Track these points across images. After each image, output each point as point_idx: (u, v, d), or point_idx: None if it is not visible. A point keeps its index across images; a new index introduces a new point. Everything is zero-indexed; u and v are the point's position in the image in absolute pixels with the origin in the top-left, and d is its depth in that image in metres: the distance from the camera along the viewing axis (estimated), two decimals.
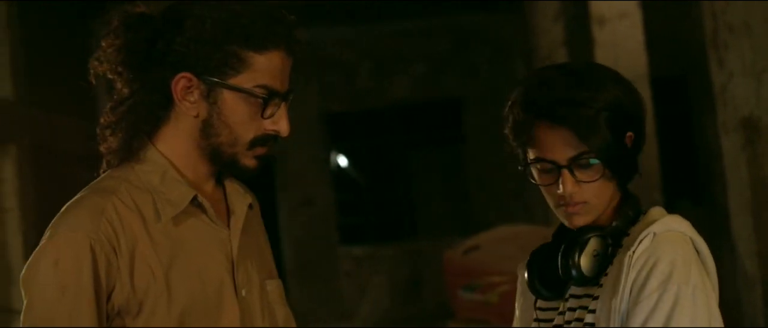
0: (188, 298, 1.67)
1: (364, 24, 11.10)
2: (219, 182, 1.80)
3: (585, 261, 1.73)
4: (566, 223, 1.79)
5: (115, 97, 1.72)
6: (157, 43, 1.68)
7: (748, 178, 4.10)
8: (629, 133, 1.75)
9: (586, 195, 1.73)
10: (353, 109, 11.79)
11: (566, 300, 1.79)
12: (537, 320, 1.83)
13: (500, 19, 11.20)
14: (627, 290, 1.68)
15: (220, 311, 1.69)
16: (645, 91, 6.78)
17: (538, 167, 1.75)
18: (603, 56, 6.86)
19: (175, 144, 1.73)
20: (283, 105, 1.73)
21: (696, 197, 10.62)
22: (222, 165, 1.75)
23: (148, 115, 1.71)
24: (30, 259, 1.66)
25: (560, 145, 1.71)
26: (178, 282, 1.66)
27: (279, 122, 1.72)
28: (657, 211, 1.79)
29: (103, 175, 1.75)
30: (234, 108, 1.69)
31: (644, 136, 1.80)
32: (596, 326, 1.70)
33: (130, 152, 1.72)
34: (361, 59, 11.67)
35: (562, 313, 1.78)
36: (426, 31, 11.51)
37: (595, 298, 1.73)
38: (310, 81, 11.45)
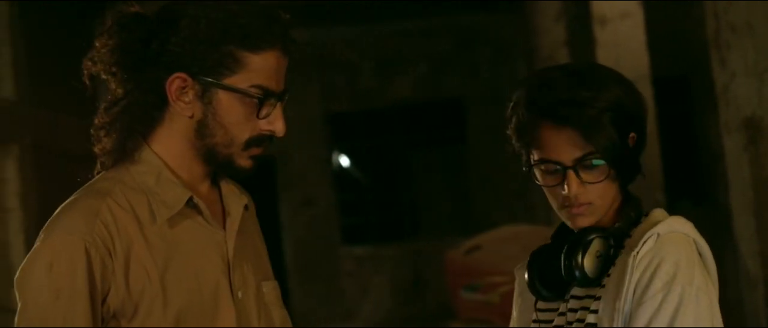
0: (184, 300, 1.65)
1: (366, 24, 11.10)
2: (214, 182, 1.78)
3: (588, 262, 1.72)
4: (570, 224, 1.78)
5: (109, 97, 1.71)
6: (152, 43, 1.66)
7: (751, 178, 4.10)
8: (632, 134, 1.75)
9: (591, 196, 1.73)
10: (355, 109, 11.79)
11: (566, 301, 1.78)
12: (536, 320, 1.83)
13: (501, 19, 11.20)
14: (630, 291, 1.67)
15: (216, 313, 1.68)
16: (647, 92, 6.77)
17: (543, 167, 1.75)
18: (604, 56, 6.85)
19: (170, 145, 1.71)
20: (278, 105, 1.72)
21: (698, 197, 10.62)
22: (217, 166, 1.73)
23: (142, 116, 1.69)
24: (24, 262, 1.65)
25: (565, 146, 1.71)
26: (173, 284, 1.65)
27: (275, 122, 1.71)
28: (659, 212, 1.79)
29: (97, 176, 1.74)
30: (229, 108, 1.68)
31: (646, 136, 1.79)
32: (599, 326, 1.70)
33: (124, 153, 1.71)
34: (362, 59, 11.68)
35: (563, 314, 1.78)
36: (427, 32, 11.51)
37: (597, 298, 1.72)
38: (311, 81, 11.46)
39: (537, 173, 1.77)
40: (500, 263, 6.19)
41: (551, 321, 1.80)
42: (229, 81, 1.67)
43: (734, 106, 4.14)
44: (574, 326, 1.75)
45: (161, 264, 1.65)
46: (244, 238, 1.77)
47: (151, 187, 1.69)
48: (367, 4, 10.32)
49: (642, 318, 1.65)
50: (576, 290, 1.77)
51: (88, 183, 1.72)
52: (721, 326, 1.71)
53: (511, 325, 1.94)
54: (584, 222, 1.75)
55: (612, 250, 1.74)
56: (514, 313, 1.92)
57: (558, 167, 1.72)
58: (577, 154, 1.71)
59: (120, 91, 1.69)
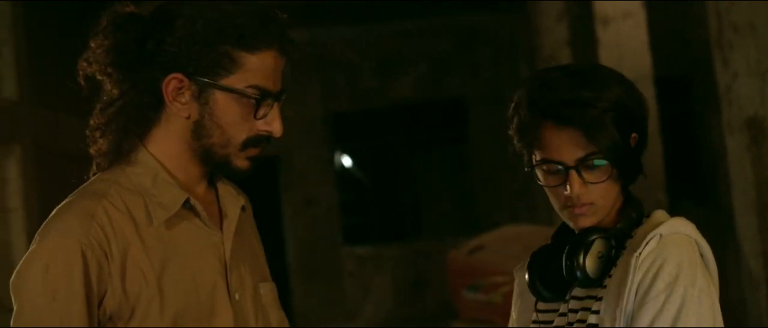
0: (181, 302, 1.64)
1: (367, 24, 11.10)
2: (211, 183, 1.77)
3: (590, 263, 1.72)
4: (571, 224, 1.78)
5: (104, 98, 1.70)
6: (147, 43, 1.65)
7: (753, 178, 4.10)
8: (633, 134, 1.75)
9: (593, 196, 1.73)
10: (356, 109, 11.79)
11: (567, 301, 1.78)
12: (536, 321, 1.83)
13: (503, 19, 11.20)
14: (633, 292, 1.67)
15: (213, 315, 1.67)
16: (649, 91, 6.77)
17: (545, 168, 1.74)
18: (607, 56, 6.85)
19: (167, 145, 1.70)
20: (275, 105, 1.70)
21: (700, 196, 10.61)
22: (214, 166, 1.72)
23: (138, 117, 1.68)
24: (20, 264, 1.64)
25: (568, 146, 1.71)
26: (170, 287, 1.64)
27: (272, 123, 1.69)
28: (661, 213, 1.79)
29: (93, 178, 1.72)
30: (226, 109, 1.66)
31: (647, 137, 1.79)
32: (600, 326, 1.70)
33: (120, 154, 1.69)
34: (363, 59, 11.68)
35: (563, 314, 1.78)
36: (429, 31, 11.51)
37: (599, 299, 1.72)
38: (312, 81, 11.46)
39: (539, 173, 1.76)
40: (502, 263, 6.19)
41: (551, 322, 1.80)
42: (225, 81, 1.65)
43: (736, 106, 4.14)
44: (574, 326, 1.75)
45: (158, 266, 1.64)
46: (241, 239, 1.76)
47: (148, 188, 1.67)
48: (367, 4, 10.32)
49: (644, 319, 1.65)
50: (577, 291, 1.77)
51: (84, 185, 1.71)
52: (723, 327, 1.71)
53: (510, 326, 1.93)
54: (586, 222, 1.75)
55: (613, 251, 1.74)
56: (514, 314, 1.92)
57: (560, 167, 1.72)
58: (580, 154, 1.70)
59: (115, 91, 1.68)
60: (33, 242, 1.65)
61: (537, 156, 1.75)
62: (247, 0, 1.68)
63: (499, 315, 6.02)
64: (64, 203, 1.67)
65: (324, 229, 11.55)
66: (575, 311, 1.76)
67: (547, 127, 1.71)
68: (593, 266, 1.72)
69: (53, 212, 1.66)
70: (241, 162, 1.70)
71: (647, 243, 1.69)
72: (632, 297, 1.67)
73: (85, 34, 1.72)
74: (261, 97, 1.67)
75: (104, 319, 1.63)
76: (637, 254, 1.69)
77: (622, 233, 1.76)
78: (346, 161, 12.16)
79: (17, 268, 1.64)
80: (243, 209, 1.79)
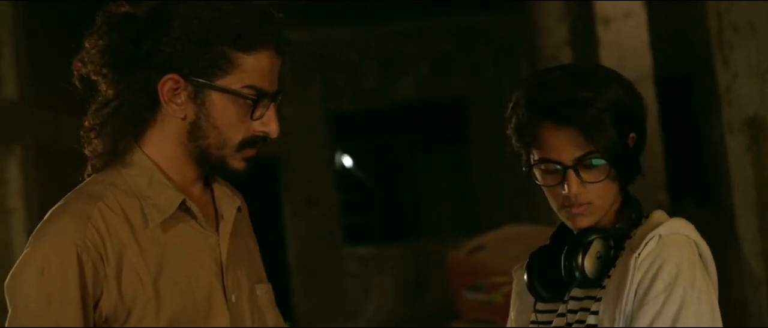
0: (177, 305, 1.63)
1: (368, 24, 11.11)
2: (207, 184, 1.76)
3: (588, 263, 1.72)
4: (570, 224, 1.78)
5: (99, 99, 1.68)
6: (143, 43, 1.63)
7: (753, 178, 4.10)
8: (632, 134, 1.75)
9: (591, 196, 1.73)
10: (357, 109, 11.79)
11: (566, 302, 1.78)
12: (535, 322, 1.83)
13: (504, 19, 11.21)
14: (632, 292, 1.67)
15: (209, 317, 1.66)
16: (650, 91, 6.77)
17: (543, 167, 1.74)
18: (608, 56, 6.85)
19: (162, 147, 1.69)
20: (272, 106, 1.69)
21: (701, 196, 10.61)
22: (210, 167, 1.71)
23: (133, 118, 1.66)
24: (14, 267, 1.62)
25: (566, 146, 1.71)
26: (166, 289, 1.63)
27: (269, 124, 1.68)
28: (660, 214, 1.79)
29: (88, 179, 1.71)
30: (222, 110, 1.65)
31: (646, 137, 1.79)
32: (599, 327, 1.70)
33: (115, 156, 1.68)
34: (365, 59, 11.68)
35: (562, 315, 1.77)
36: (430, 31, 11.51)
37: (598, 300, 1.72)
38: (313, 82, 11.46)
39: (537, 172, 1.76)
40: (503, 263, 6.17)
41: (550, 322, 1.80)
42: (221, 82, 1.64)
43: (737, 106, 4.14)
44: (573, 327, 1.75)
45: (154, 269, 1.63)
46: (237, 240, 1.75)
47: (143, 190, 1.66)
48: (368, 4, 10.32)
49: (643, 320, 1.65)
50: (575, 292, 1.77)
51: (79, 186, 1.70)
52: (722, 327, 1.71)
53: (508, 326, 1.93)
54: (584, 222, 1.74)
55: (612, 251, 1.74)
56: (512, 314, 1.92)
57: (558, 166, 1.72)
58: (578, 153, 1.71)
59: (111, 92, 1.67)
60: (28, 244, 1.63)
61: (535, 156, 1.75)
62: (243, 0, 1.67)
63: (500, 315, 6.00)
64: (58, 205, 1.66)
65: (325, 229, 11.55)
66: (574, 312, 1.75)
67: (546, 127, 1.71)
68: (592, 266, 1.72)
69: (48, 214, 1.65)
70: (237, 163, 1.69)
71: (646, 244, 1.69)
72: (631, 298, 1.67)
73: (85, 34, 1.71)
74: (257, 98, 1.66)
75: (99, 321, 1.62)
76: (636, 254, 1.68)
77: (620, 234, 1.76)
78: (347, 161, 12.16)
79: (12, 270, 1.62)
80: (239, 209, 1.78)
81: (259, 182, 11.05)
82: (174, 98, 1.65)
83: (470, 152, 11.84)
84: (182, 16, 1.63)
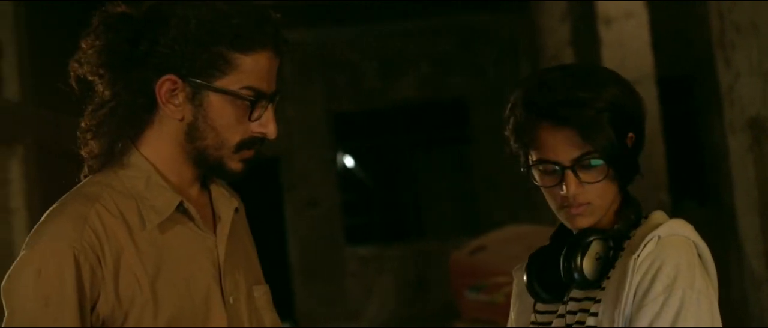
0: (175, 307, 1.62)
1: (369, 24, 11.11)
2: (204, 185, 1.75)
3: (587, 264, 1.72)
4: (569, 225, 1.78)
5: (96, 99, 1.67)
6: (140, 43, 1.62)
7: (755, 178, 4.10)
8: (630, 134, 1.74)
9: (590, 196, 1.72)
10: (359, 109, 11.80)
11: (565, 303, 1.77)
12: (535, 322, 1.82)
13: (506, 19, 11.21)
14: (631, 294, 1.67)
15: (207, 319, 1.65)
16: (651, 91, 6.77)
17: (541, 168, 1.74)
18: (609, 56, 6.85)
19: (160, 148, 1.67)
20: (270, 107, 1.68)
21: (702, 197, 10.61)
22: (208, 169, 1.70)
23: (130, 119, 1.65)
24: (11, 269, 1.61)
25: (564, 146, 1.70)
26: (164, 292, 1.62)
27: (267, 125, 1.67)
28: (659, 215, 1.78)
29: (84, 180, 1.70)
30: (220, 111, 1.64)
31: (644, 137, 1.78)
32: None
33: (112, 157, 1.67)
34: (366, 59, 11.68)
35: (561, 316, 1.77)
36: (431, 31, 11.51)
37: (597, 301, 1.71)
38: (314, 82, 11.46)
39: (535, 173, 1.76)
40: (505, 264, 6.17)
41: (550, 323, 1.79)
42: (219, 83, 1.63)
43: (739, 106, 4.14)
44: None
45: (151, 271, 1.62)
46: (234, 242, 1.74)
47: (141, 191, 1.65)
48: (369, 4, 10.32)
49: (643, 321, 1.64)
50: (575, 293, 1.76)
51: (75, 188, 1.69)
52: None
53: (508, 326, 1.93)
54: (583, 222, 1.74)
55: (611, 252, 1.74)
56: (512, 314, 1.92)
57: (556, 167, 1.72)
58: (576, 154, 1.70)
59: (107, 93, 1.65)
60: (24, 246, 1.62)
61: (533, 156, 1.75)
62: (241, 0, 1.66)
63: (502, 315, 5.99)
64: (55, 206, 1.65)
65: (326, 229, 11.55)
66: (573, 313, 1.75)
67: (544, 128, 1.71)
68: (591, 267, 1.72)
69: (45, 216, 1.64)
70: (234, 164, 1.68)
71: (645, 245, 1.68)
72: (630, 300, 1.66)
73: (82, 34, 1.70)
74: (256, 99, 1.65)
75: (96, 324, 1.61)
76: (635, 256, 1.68)
77: (620, 234, 1.75)
78: (348, 161, 12.16)
79: (8, 273, 1.61)
80: (236, 211, 1.77)
81: (260, 183, 11.05)
82: (171, 99, 1.64)
83: (471, 152, 11.84)
84: (180, 17, 1.61)
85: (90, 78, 1.66)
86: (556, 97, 1.70)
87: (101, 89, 1.66)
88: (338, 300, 11.44)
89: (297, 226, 11.58)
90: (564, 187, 1.71)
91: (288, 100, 10.97)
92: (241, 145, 1.67)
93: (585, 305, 1.74)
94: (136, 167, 1.67)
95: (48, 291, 1.57)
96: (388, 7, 10.46)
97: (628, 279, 1.67)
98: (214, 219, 1.73)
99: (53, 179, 7.22)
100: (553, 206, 1.77)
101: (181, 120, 1.65)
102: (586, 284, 1.73)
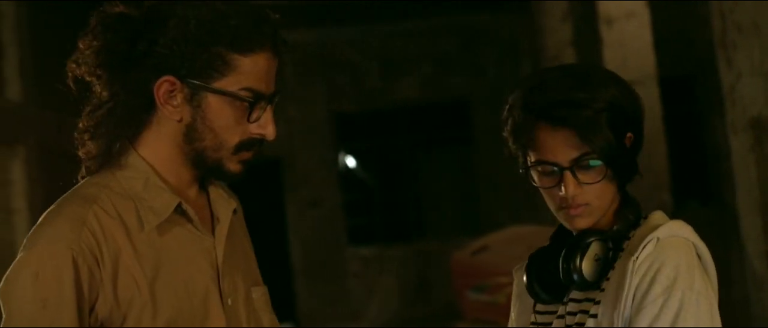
0: (173, 309, 1.62)
1: (371, 24, 11.11)
2: (202, 186, 1.74)
3: (586, 265, 1.71)
4: (568, 225, 1.77)
5: (94, 100, 1.66)
6: (139, 44, 1.61)
7: (757, 178, 4.10)
8: (629, 134, 1.74)
9: (588, 197, 1.72)
10: (360, 109, 11.80)
11: (565, 304, 1.77)
12: (535, 323, 1.82)
13: (507, 19, 11.21)
14: (630, 296, 1.66)
15: (205, 321, 1.64)
16: (653, 91, 6.77)
17: (539, 169, 1.74)
18: (611, 56, 6.85)
19: (158, 149, 1.66)
20: (269, 108, 1.67)
21: (704, 197, 10.61)
22: (206, 170, 1.69)
23: (128, 119, 1.64)
24: (8, 271, 1.60)
25: (562, 147, 1.70)
26: (163, 293, 1.61)
27: (265, 126, 1.66)
28: (659, 215, 1.78)
29: (82, 181, 1.69)
30: (219, 112, 1.63)
31: (643, 137, 1.78)
32: None
33: (110, 158, 1.66)
34: (368, 60, 11.69)
35: (561, 316, 1.77)
36: (433, 32, 11.52)
37: (597, 302, 1.71)
38: (316, 82, 11.47)
39: (534, 174, 1.76)
40: (506, 264, 6.16)
41: (550, 324, 1.79)
42: (218, 84, 1.62)
43: (740, 106, 4.14)
44: None
45: (150, 273, 1.61)
46: (232, 243, 1.73)
47: (139, 193, 1.64)
48: (370, 5, 10.32)
49: (642, 323, 1.64)
50: (575, 294, 1.76)
51: (73, 189, 1.68)
52: None
53: (509, 326, 1.93)
54: (582, 223, 1.74)
55: (610, 253, 1.73)
56: (513, 314, 1.92)
57: (555, 168, 1.71)
58: (574, 154, 1.70)
59: (105, 93, 1.64)
60: (22, 247, 1.62)
61: (531, 157, 1.74)
62: (240, 0, 1.65)
63: (504, 316, 5.98)
64: (52, 208, 1.64)
65: (328, 229, 11.56)
66: (573, 314, 1.75)
67: (541, 129, 1.71)
68: (590, 269, 1.71)
69: (42, 218, 1.63)
70: (233, 166, 1.68)
71: (644, 247, 1.68)
72: (630, 302, 1.66)
73: (80, 34, 1.69)
74: (254, 100, 1.64)
75: (95, 325, 1.60)
76: (634, 257, 1.67)
77: (619, 235, 1.75)
78: (350, 162, 12.17)
79: (6, 274, 1.60)
80: (234, 212, 1.76)
81: (262, 183, 11.06)
82: (170, 100, 1.63)
83: (472, 153, 11.85)
84: (179, 17, 1.60)
85: (88, 78, 1.65)
86: (554, 98, 1.70)
87: (99, 90, 1.65)
88: (340, 300, 11.45)
89: (298, 226, 11.58)
90: (562, 188, 1.71)
91: (289, 100, 10.98)
92: (240, 147, 1.66)
93: (584, 306, 1.73)
94: (134, 167, 1.66)
95: (46, 293, 1.56)
96: (389, 8, 10.46)
97: (628, 281, 1.67)
98: (213, 220, 1.72)
99: (55, 180, 7.21)
100: (551, 207, 1.77)
101: (180, 121, 1.64)
102: (585, 285, 1.73)
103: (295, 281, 11.49)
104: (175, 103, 1.63)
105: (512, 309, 1.92)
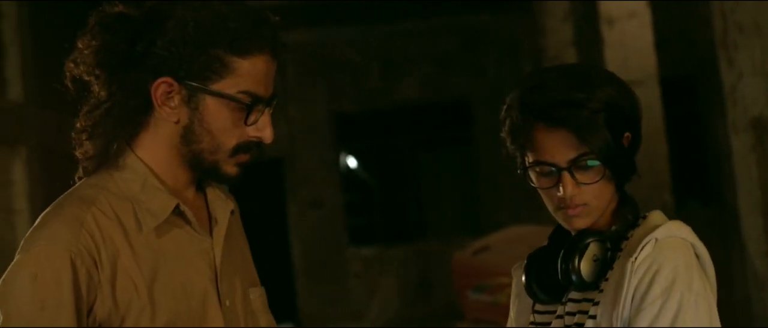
0: (172, 311, 1.61)
1: (371, 25, 11.11)
2: (199, 187, 1.74)
3: (585, 266, 1.72)
4: (566, 226, 1.77)
5: (91, 100, 1.65)
6: (137, 44, 1.60)
7: (758, 178, 4.10)
8: (626, 134, 1.74)
9: (587, 197, 1.72)
10: (362, 110, 11.80)
11: (564, 304, 1.77)
12: (534, 323, 1.82)
13: (508, 19, 11.20)
14: (629, 297, 1.66)
15: (204, 322, 1.64)
16: (654, 91, 6.76)
17: (537, 170, 1.74)
18: (612, 56, 6.85)
19: (155, 150, 1.66)
20: (266, 111, 1.66)
21: (706, 197, 10.60)
22: (203, 172, 1.68)
23: (126, 120, 1.63)
24: (6, 273, 1.59)
25: (560, 147, 1.70)
26: (161, 295, 1.61)
27: (263, 129, 1.66)
28: (657, 216, 1.78)
29: (79, 183, 1.69)
30: (216, 114, 1.62)
31: (641, 136, 1.78)
32: None
33: (107, 158, 1.65)
34: (369, 60, 11.69)
35: (560, 317, 1.77)
36: (434, 32, 11.52)
37: (596, 303, 1.71)
38: (317, 82, 11.47)
39: (532, 175, 1.76)
40: (507, 264, 6.13)
41: (549, 324, 1.79)
42: (216, 86, 1.61)
43: (742, 106, 4.14)
44: None
45: (148, 274, 1.61)
46: (230, 244, 1.73)
47: (137, 194, 1.64)
48: (371, 5, 10.32)
49: (641, 324, 1.64)
50: (574, 294, 1.76)
51: (70, 190, 1.67)
52: None
53: (508, 326, 1.93)
54: (580, 223, 1.74)
55: (609, 253, 1.73)
56: (512, 314, 1.92)
57: (553, 168, 1.71)
58: (572, 155, 1.70)
59: (103, 94, 1.63)
60: (19, 249, 1.61)
61: (529, 158, 1.74)
62: (239, 1, 1.64)
63: (504, 316, 5.98)
64: (50, 209, 1.63)
65: (329, 230, 11.56)
66: (572, 314, 1.75)
67: (539, 129, 1.71)
68: (588, 269, 1.72)
69: (40, 219, 1.62)
70: (230, 168, 1.67)
71: (643, 247, 1.68)
72: (629, 303, 1.66)
73: (79, 34, 1.69)
74: (252, 103, 1.63)
75: (93, 327, 1.59)
76: (632, 258, 1.67)
77: (617, 236, 1.75)
78: (351, 162, 12.17)
79: (3, 276, 1.59)
80: (232, 213, 1.76)
81: (263, 183, 11.06)
82: (167, 102, 1.62)
83: (473, 153, 11.85)
84: (178, 18, 1.60)
85: (86, 78, 1.65)
86: (551, 99, 1.70)
87: (97, 90, 1.64)
88: (341, 301, 11.45)
89: (300, 226, 11.58)
90: (561, 188, 1.71)
91: (290, 100, 10.99)
92: (237, 150, 1.66)
93: (584, 306, 1.73)
94: (132, 169, 1.66)
95: (44, 295, 1.55)
96: (389, 8, 10.46)
97: (626, 282, 1.67)
98: (210, 221, 1.72)
99: (56, 180, 7.22)
100: (550, 207, 1.77)
101: (177, 123, 1.64)
102: (583, 286, 1.73)
103: (295, 281, 11.49)
104: (172, 104, 1.63)
105: (511, 308, 1.93)
